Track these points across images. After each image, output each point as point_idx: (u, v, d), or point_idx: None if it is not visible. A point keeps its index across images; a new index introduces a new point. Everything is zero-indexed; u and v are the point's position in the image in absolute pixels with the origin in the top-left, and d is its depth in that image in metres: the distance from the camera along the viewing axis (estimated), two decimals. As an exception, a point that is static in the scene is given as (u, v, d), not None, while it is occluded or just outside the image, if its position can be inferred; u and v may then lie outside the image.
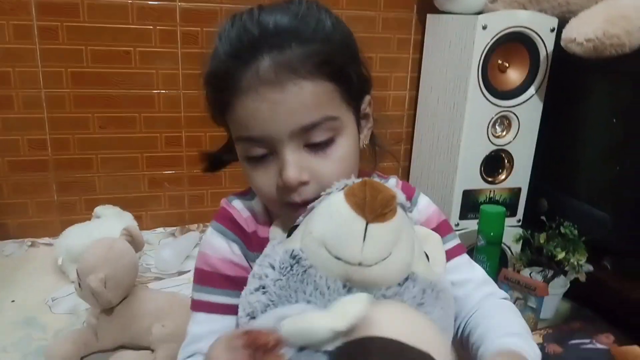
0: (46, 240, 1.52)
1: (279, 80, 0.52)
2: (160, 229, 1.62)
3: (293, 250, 0.51)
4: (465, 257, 0.69)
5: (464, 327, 0.64)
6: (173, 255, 1.39)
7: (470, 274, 0.68)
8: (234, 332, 0.49)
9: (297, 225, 0.55)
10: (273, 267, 0.52)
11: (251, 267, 0.58)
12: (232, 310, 0.58)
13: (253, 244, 0.62)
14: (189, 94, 1.58)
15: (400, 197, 0.51)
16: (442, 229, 0.68)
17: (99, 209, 1.44)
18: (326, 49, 0.54)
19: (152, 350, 1.00)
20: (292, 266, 0.50)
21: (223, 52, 0.55)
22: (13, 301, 1.21)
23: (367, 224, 0.46)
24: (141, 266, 1.32)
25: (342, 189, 0.50)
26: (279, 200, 0.57)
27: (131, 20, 1.47)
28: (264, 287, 0.52)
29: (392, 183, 0.69)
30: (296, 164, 0.54)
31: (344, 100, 0.57)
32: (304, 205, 0.55)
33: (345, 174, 0.55)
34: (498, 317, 0.62)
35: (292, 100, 0.52)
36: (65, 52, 1.45)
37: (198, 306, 0.62)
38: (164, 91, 1.55)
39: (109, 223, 1.37)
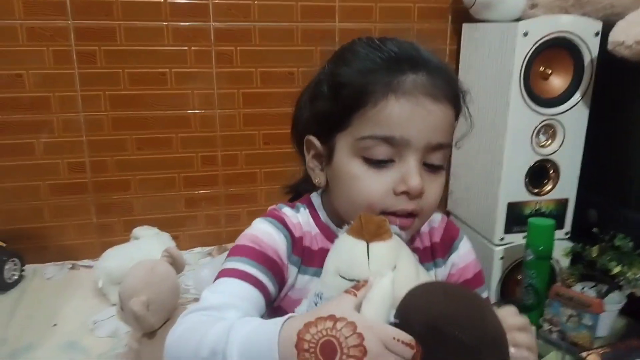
0: (86, 262, 1.53)
1: (436, 96, 0.57)
2: (198, 249, 1.62)
3: (316, 291, 0.56)
4: None
5: None
6: (212, 275, 1.36)
7: None
8: (399, 334, 0.45)
9: None
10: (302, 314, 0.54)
11: (287, 266, 0.62)
12: (261, 286, 0.58)
13: (297, 248, 0.63)
14: (224, 113, 1.57)
15: (394, 227, 0.55)
16: (477, 280, 0.71)
17: (137, 230, 1.44)
18: (458, 85, 0.62)
19: (196, 375, 0.98)
20: (316, 304, 0.55)
21: (374, 59, 0.58)
22: (55, 325, 1.21)
23: (367, 245, 0.51)
24: (180, 287, 1.30)
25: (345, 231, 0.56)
26: (380, 207, 0.58)
27: (167, 41, 1.49)
28: None
29: (437, 218, 0.71)
30: (420, 175, 0.57)
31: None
32: (400, 216, 0.58)
33: (436, 208, 0.62)
34: None
35: (441, 116, 0.57)
36: (103, 76, 1.47)
37: (230, 272, 0.58)
38: (199, 111, 1.56)
39: (148, 244, 1.37)
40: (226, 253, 1.53)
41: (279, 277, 0.62)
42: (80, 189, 1.53)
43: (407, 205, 0.58)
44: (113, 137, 1.51)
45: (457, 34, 1.67)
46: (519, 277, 1.39)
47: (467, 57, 1.63)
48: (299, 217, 0.66)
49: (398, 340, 0.44)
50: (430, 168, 0.59)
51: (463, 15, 1.59)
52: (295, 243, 0.63)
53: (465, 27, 1.62)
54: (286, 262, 0.62)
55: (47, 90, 1.44)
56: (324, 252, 0.60)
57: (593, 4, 1.38)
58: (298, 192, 0.73)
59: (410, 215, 0.59)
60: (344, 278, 0.52)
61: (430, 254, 0.69)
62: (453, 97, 0.60)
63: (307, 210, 0.67)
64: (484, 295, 0.73)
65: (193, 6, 1.48)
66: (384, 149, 0.56)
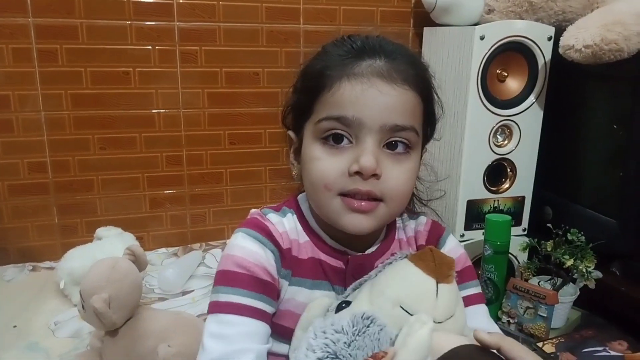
0: (47, 264, 1.50)
1: (391, 78, 0.58)
2: (163, 249, 1.61)
3: (365, 313, 0.53)
4: (483, 307, 0.70)
5: None
6: (176, 275, 1.37)
7: (487, 325, 0.68)
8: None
9: (347, 301, 0.57)
10: (344, 332, 0.52)
11: (278, 279, 0.60)
12: (260, 315, 0.58)
13: (286, 261, 0.62)
14: (189, 112, 1.57)
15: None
16: (467, 274, 0.69)
17: (100, 231, 1.42)
18: (423, 71, 0.63)
19: (159, 371, 0.98)
20: (367, 326, 0.52)
21: (337, 52, 0.60)
22: (15, 326, 1.19)
23: (437, 284, 0.53)
24: (144, 287, 1.30)
25: (405, 257, 0.57)
26: (337, 188, 0.58)
27: (130, 40, 1.48)
28: (334, 354, 0.51)
29: (422, 221, 0.71)
30: (374, 156, 0.57)
31: (423, 122, 0.63)
32: (360, 199, 0.58)
33: (405, 196, 0.61)
34: None
35: (396, 97, 0.58)
36: (65, 74, 1.45)
37: (224, 307, 0.57)
38: (163, 111, 1.55)
39: (111, 244, 1.35)
40: (191, 253, 1.53)
41: (275, 295, 0.61)
42: (41, 190, 1.50)
43: (363, 185, 0.57)
44: (75, 136, 1.50)
45: (419, 37, 1.71)
46: (479, 271, 1.43)
47: (429, 60, 1.66)
48: (286, 224, 0.64)
49: None
50: (392, 152, 0.59)
51: (424, 19, 1.64)
52: (284, 256, 0.62)
53: (426, 30, 1.67)
54: (277, 277, 0.61)
55: (7, 88, 1.42)
56: (314, 262, 0.63)
57: (546, 10, 1.45)
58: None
59: (373, 199, 0.58)
60: (405, 311, 0.52)
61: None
62: (415, 81, 0.60)
63: (294, 216, 0.66)
64: (476, 290, 0.70)
65: (157, 6, 1.48)
66: (340, 128, 0.58)
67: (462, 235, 1.50)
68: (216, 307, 0.58)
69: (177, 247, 1.62)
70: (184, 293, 1.35)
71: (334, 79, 0.58)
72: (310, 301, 0.60)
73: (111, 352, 0.99)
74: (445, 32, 1.55)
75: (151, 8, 1.48)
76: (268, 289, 0.59)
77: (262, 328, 0.58)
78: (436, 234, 0.70)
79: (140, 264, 1.05)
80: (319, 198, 0.60)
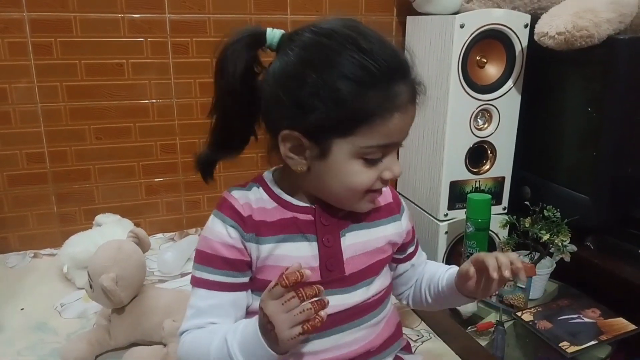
0: (48, 251, 1.55)
1: (416, 99, 0.66)
2: (160, 235, 1.66)
3: None
4: (419, 250, 0.90)
5: (420, 281, 0.87)
6: (175, 257, 1.43)
7: (422, 257, 0.90)
8: (270, 284, 0.60)
9: None
10: None
11: (245, 248, 0.69)
12: (228, 287, 0.70)
13: (248, 226, 0.69)
14: (182, 102, 1.62)
15: None
16: (414, 235, 0.87)
17: (99, 217, 1.47)
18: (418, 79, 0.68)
19: (165, 345, 1.04)
20: None
21: (368, 76, 0.61)
22: (22, 309, 1.24)
23: None
24: (145, 270, 1.35)
25: None
26: (367, 190, 0.68)
27: (122, 33, 1.52)
28: None
29: (386, 190, 0.80)
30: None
31: None
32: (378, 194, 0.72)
33: None
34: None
35: (414, 117, 0.67)
36: (60, 67, 1.49)
37: (199, 282, 0.70)
38: (157, 101, 1.60)
39: (111, 230, 1.40)
40: (188, 237, 1.59)
41: (245, 264, 0.70)
42: (40, 179, 1.55)
43: (384, 185, 0.70)
44: (71, 127, 1.54)
45: (402, 26, 1.78)
46: (462, 249, 1.52)
47: (412, 48, 1.74)
48: (250, 196, 0.72)
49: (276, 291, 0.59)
50: None
51: (407, 9, 1.70)
52: (245, 223, 0.69)
53: (409, 19, 1.73)
54: (243, 246, 0.69)
55: (4, 82, 1.45)
56: (283, 221, 0.71)
57: (522, -2, 1.52)
58: (214, 161, 0.78)
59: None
60: None
61: (392, 210, 0.80)
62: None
63: (260, 188, 0.73)
64: (416, 248, 0.88)
65: (148, -1, 1.52)
66: (381, 151, 0.66)
67: (446, 215, 1.58)
68: (195, 282, 0.71)
69: (173, 233, 1.67)
70: (182, 275, 1.42)
71: (384, 112, 0.62)
72: (284, 253, 0.70)
73: (119, 328, 1.06)
74: (427, 20, 1.61)
75: (142, 1, 1.52)
76: (236, 262, 0.69)
77: (231, 296, 0.70)
78: (397, 195, 0.83)
79: (143, 245, 1.11)
80: (348, 195, 0.69)
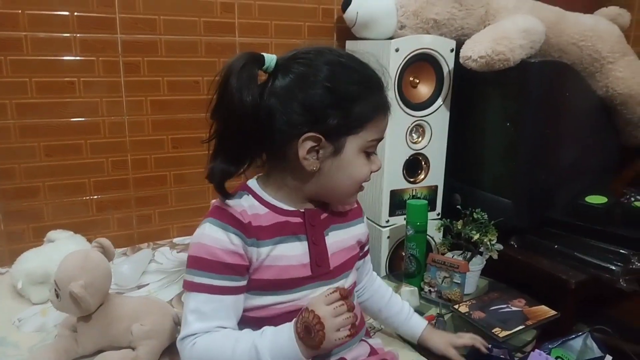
0: (-4, 270, 1.52)
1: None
2: (111, 251, 1.67)
3: None
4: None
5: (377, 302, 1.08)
6: (131, 270, 1.46)
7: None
8: (327, 291, 0.74)
9: None
10: None
11: (246, 253, 0.75)
12: (229, 291, 0.75)
13: (249, 233, 0.76)
14: (133, 119, 1.66)
15: None
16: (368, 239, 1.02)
17: (51, 234, 1.47)
18: None
19: (133, 349, 1.08)
20: None
21: (365, 87, 0.78)
22: (-23, 327, 1.23)
23: None
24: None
25: None
26: (363, 182, 0.83)
27: (74, 52, 1.55)
28: None
29: None
30: None
31: None
32: None
33: None
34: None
35: None
36: (9, 85, 1.49)
37: (199, 288, 0.75)
38: (108, 118, 1.63)
39: (64, 245, 1.41)
40: (141, 252, 1.61)
41: (244, 268, 0.76)
42: (-14, 198, 1.53)
43: (369, 179, 0.84)
44: (21, 144, 1.54)
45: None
46: (403, 253, 1.65)
47: (351, 69, 1.88)
48: (244, 203, 0.79)
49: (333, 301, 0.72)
50: None
51: (346, 34, 1.84)
52: (247, 229, 0.76)
53: (348, 43, 1.87)
54: (244, 251, 0.76)
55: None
56: (276, 225, 0.79)
57: (448, 26, 1.70)
58: (230, 174, 0.81)
59: None
60: None
61: (357, 213, 0.92)
62: None
63: (249, 196, 0.81)
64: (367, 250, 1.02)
65: (100, 20, 1.56)
66: (376, 146, 0.81)
67: (387, 221, 1.72)
68: (193, 287, 0.76)
69: (125, 248, 1.69)
70: (139, 287, 1.44)
71: (381, 110, 0.79)
72: (280, 253, 0.78)
73: (87, 336, 1.08)
74: (365, 45, 1.76)
75: (94, 22, 1.55)
76: (237, 267, 0.75)
77: (232, 299, 0.76)
78: (360, 205, 0.95)
79: (108, 254, 1.15)
80: (349, 188, 0.81)
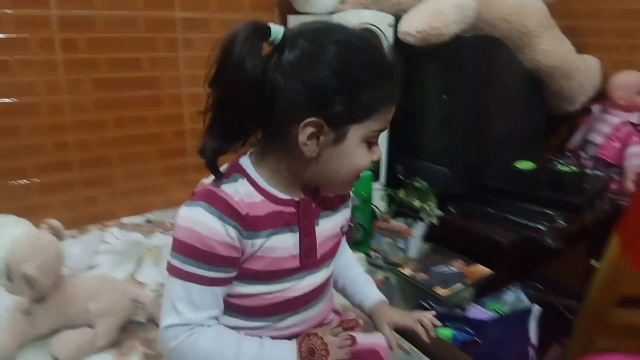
0: None
1: None
2: (57, 233, 1.64)
3: None
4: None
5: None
6: (81, 251, 1.45)
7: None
8: (332, 324, 0.81)
9: None
10: None
11: (241, 245, 0.71)
12: (222, 282, 0.73)
13: (246, 224, 0.71)
14: (74, 99, 1.62)
15: None
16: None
17: (-6, 219, 1.44)
18: None
19: (91, 327, 1.09)
20: None
21: (375, 75, 0.70)
22: None
23: None
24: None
25: None
26: (362, 171, 0.77)
27: (6, 30, 1.49)
28: None
29: None
30: None
31: None
32: None
33: None
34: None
35: None
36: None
37: (190, 277, 0.70)
38: (47, 97, 1.58)
39: (9, 230, 1.38)
40: (90, 233, 1.58)
41: (237, 260, 0.72)
42: None
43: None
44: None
45: (284, 24, 1.93)
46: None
47: (294, 45, 1.90)
48: (240, 190, 0.72)
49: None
50: None
51: (288, 8, 1.86)
52: (244, 221, 0.70)
53: (290, 18, 1.89)
54: (239, 244, 0.71)
55: None
56: (271, 215, 0.74)
57: (386, 2, 1.75)
58: (224, 150, 0.74)
59: None
60: None
61: (344, 198, 0.88)
62: None
63: (244, 180, 0.74)
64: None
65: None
66: (378, 136, 0.75)
67: (334, 193, 1.78)
68: (182, 274, 0.70)
69: (73, 230, 1.67)
70: (90, 267, 1.44)
71: (387, 101, 0.72)
72: (273, 244, 0.74)
73: (43, 317, 1.08)
74: (306, 19, 1.76)
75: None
76: (229, 261, 0.71)
77: (223, 289, 0.74)
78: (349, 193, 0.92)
79: (59, 235, 1.14)
80: (347, 177, 0.76)
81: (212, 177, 0.73)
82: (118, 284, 1.20)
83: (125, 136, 1.73)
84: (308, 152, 0.70)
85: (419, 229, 1.69)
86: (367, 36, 0.73)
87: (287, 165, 0.74)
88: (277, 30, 0.68)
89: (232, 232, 0.69)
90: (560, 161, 1.87)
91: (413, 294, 1.51)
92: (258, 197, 0.73)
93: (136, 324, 1.20)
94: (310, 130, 0.69)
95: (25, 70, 1.54)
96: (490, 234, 1.64)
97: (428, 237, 1.75)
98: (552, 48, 1.91)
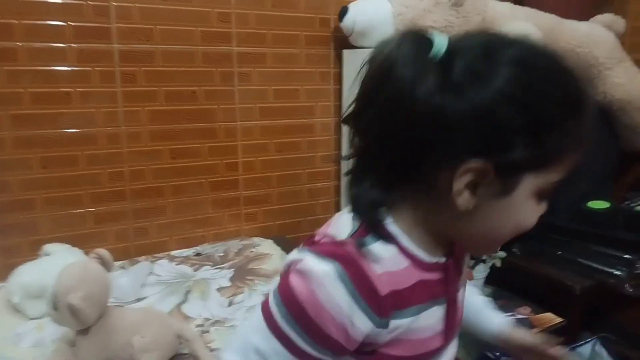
0: (-10, 285, 1.48)
1: None
2: (108, 264, 1.64)
3: None
4: None
5: None
6: (130, 283, 1.43)
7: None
8: None
9: None
10: None
11: (364, 339, 0.56)
12: (307, 357, 0.57)
13: (383, 309, 0.55)
14: (130, 130, 1.64)
15: None
16: None
17: (48, 247, 1.44)
18: None
19: (134, 362, 1.05)
20: None
21: (582, 104, 0.55)
22: (-27, 343, 1.19)
23: None
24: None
25: None
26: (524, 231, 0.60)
27: (70, 62, 1.53)
28: None
29: None
30: None
31: None
32: None
33: None
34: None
35: None
36: (4, 96, 1.47)
37: (281, 334, 0.56)
38: (105, 128, 1.61)
39: (61, 258, 1.37)
40: (139, 265, 1.58)
41: (345, 352, 0.57)
42: (-20, 212, 1.50)
43: None
44: (15, 156, 1.51)
45: (339, 59, 1.92)
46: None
47: (348, 78, 1.88)
48: (383, 254, 0.56)
49: None
50: None
51: (343, 43, 1.84)
52: (380, 307, 0.55)
53: (346, 52, 1.88)
54: (361, 338, 0.56)
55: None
56: (418, 287, 0.59)
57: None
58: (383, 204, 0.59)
59: None
60: None
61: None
62: None
63: (392, 245, 0.58)
64: None
65: (96, 29, 1.55)
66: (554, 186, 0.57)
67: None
68: (273, 326, 0.56)
69: (123, 261, 1.66)
70: (138, 300, 1.41)
71: (582, 143, 0.56)
72: (418, 327, 0.60)
73: (86, 349, 1.05)
74: (363, 53, 1.74)
75: (90, 31, 1.54)
76: (334, 345, 0.56)
77: None
78: None
79: (107, 265, 1.12)
80: (506, 237, 0.59)
81: (334, 221, 0.60)
82: (163, 318, 1.16)
83: (179, 167, 1.73)
84: (462, 204, 0.54)
85: (480, 271, 1.57)
86: (554, 55, 0.55)
87: (426, 218, 0.58)
88: (441, 43, 0.53)
89: (358, 320, 0.54)
90: (638, 201, 1.72)
91: (478, 344, 1.39)
92: (403, 263, 0.58)
93: (179, 358, 1.15)
94: (469, 177, 0.53)
95: (86, 101, 1.57)
96: (560, 279, 1.52)
97: (490, 279, 1.63)
98: (625, 81, 1.80)
